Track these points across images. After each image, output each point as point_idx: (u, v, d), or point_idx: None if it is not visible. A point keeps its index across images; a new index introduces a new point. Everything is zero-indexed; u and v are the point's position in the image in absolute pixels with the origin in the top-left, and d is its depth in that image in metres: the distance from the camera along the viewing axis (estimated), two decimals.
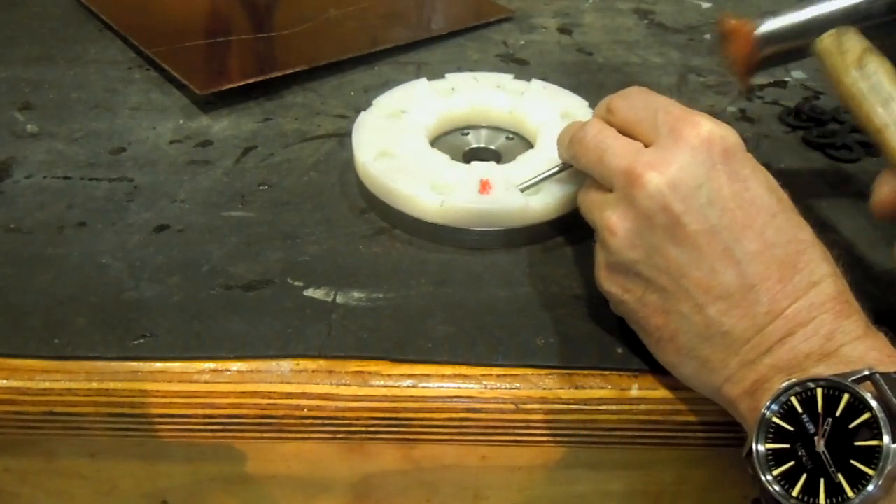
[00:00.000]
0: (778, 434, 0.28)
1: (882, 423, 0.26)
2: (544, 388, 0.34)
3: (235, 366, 0.34)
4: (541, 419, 0.34)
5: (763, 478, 0.28)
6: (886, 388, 0.26)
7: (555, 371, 0.34)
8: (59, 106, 0.52)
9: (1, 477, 0.40)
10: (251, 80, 0.53)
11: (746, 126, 0.51)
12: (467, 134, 0.47)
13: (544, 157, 0.42)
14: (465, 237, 0.40)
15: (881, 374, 0.26)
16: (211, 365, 0.34)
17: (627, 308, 0.33)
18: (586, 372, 0.34)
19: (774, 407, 0.28)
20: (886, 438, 0.25)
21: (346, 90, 0.54)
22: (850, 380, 0.27)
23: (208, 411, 0.34)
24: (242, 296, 0.37)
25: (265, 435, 0.35)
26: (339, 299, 0.37)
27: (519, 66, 0.58)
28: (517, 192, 0.40)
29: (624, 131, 0.34)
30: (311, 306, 0.37)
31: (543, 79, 0.51)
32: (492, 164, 0.42)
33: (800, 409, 0.28)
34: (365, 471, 0.39)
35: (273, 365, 0.34)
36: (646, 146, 0.32)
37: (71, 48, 0.59)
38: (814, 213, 0.43)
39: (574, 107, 0.47)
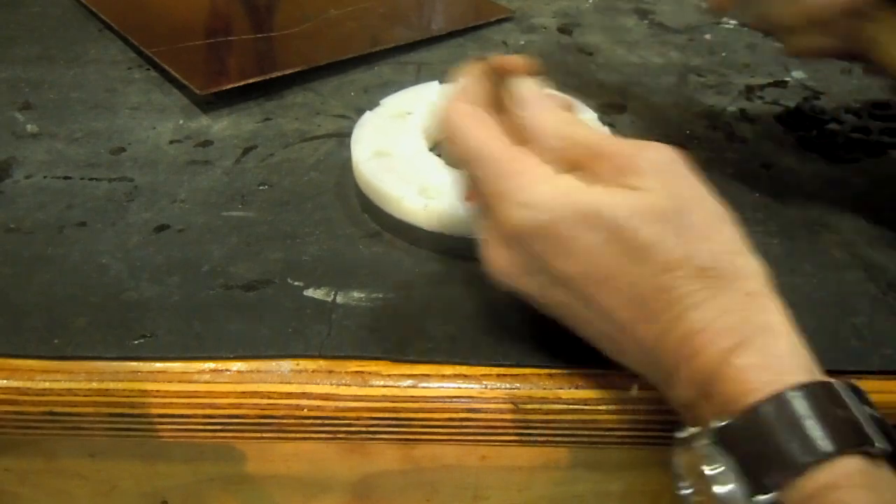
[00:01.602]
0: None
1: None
2: (544, 388, 0.34)
3: (235, 366, 0.34)
4: (541, 419, 0.34)
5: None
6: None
7: (555, 371, 0.34)
8: (59, 106, 0.52)
9: (1, 477, 0.40)
10: (251, 80, 0.53)
11: (746, 126, 0.51)
12: None
13: None
14: (446, 243, 0.40)
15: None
16: (211, 365, 0.34)
17: (542, 304, 0.32)
18: (586, 372, 0.34)
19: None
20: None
21: (346, 90, 0.54)
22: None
23: (208, 411, 0.34)
24: (242, 296, 0.37)
25: (265, 435, 0.35)
26: (339, 299, 0.37)
27: None
28: None
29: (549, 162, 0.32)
30: (311, 306, 0.37)
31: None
32: None
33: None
34: (365, 471, 0.39)
35: (273, 365, 0.34)
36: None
37: (71, 48, 0.59)
38: (814, 213, 0.43)
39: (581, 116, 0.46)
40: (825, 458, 0.24)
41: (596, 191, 0.29)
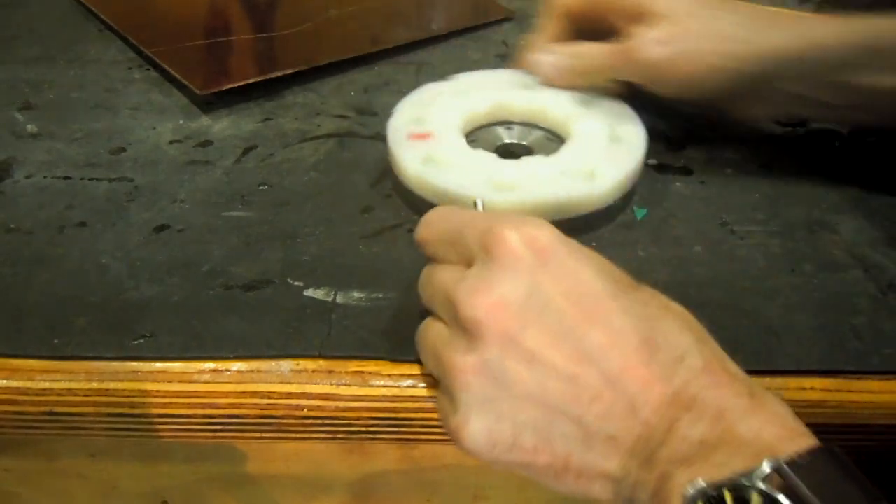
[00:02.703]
0: None
1: None
2: None
3: (235, 366, 0.34)
4: None
5: None
6: (796, 479, 0.24)
7: None
8: (59, 106, 0.52)
9: (1, 477, 0.40)
10: (251, 80, 0.53)
11: (746, 126, 0.51)
12: (511, 129, 0.47)
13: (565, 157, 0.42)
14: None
15: (787, 463, 0.25)
16: (211, 365, 0.34)
17: (506, 462, 0.29)
18: None
19: None
20: None
21: (346, 90, 0.54)
22: (755, 479, 0.25)
23: (208, 411, 0.34)
24: (242, 296, 0.37)
25: (265, 435, 0.35)
26: (339, 299, 0.37)
27: None
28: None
29: (445, 261, 0.32)
30: (311, 306, 0.37)
31: None
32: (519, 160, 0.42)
33: None
34: (365, 471, 0.39)
35: (273, 365, 0.34)
36: (469, 266, 0.31)
37: (71, 48, 0.59)
38: (814, 214, 0.43)
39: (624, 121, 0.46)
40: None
41: None
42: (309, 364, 0.34)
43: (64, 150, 0.48)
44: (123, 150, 0.48)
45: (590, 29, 0.45)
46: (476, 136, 0.46)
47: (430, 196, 0.41)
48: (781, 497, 0.24)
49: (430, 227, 0.33)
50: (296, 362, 0.34)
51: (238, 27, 0.62)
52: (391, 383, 0.34)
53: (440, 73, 0.50)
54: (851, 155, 0.48)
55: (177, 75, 0.53)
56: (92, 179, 0.45)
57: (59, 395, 0.34)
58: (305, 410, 0.34)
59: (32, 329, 0.35)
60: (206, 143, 0.49)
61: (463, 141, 0.43)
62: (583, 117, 0.45)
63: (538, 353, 0.28)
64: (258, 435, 0.35)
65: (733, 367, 0.28)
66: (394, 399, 0.34)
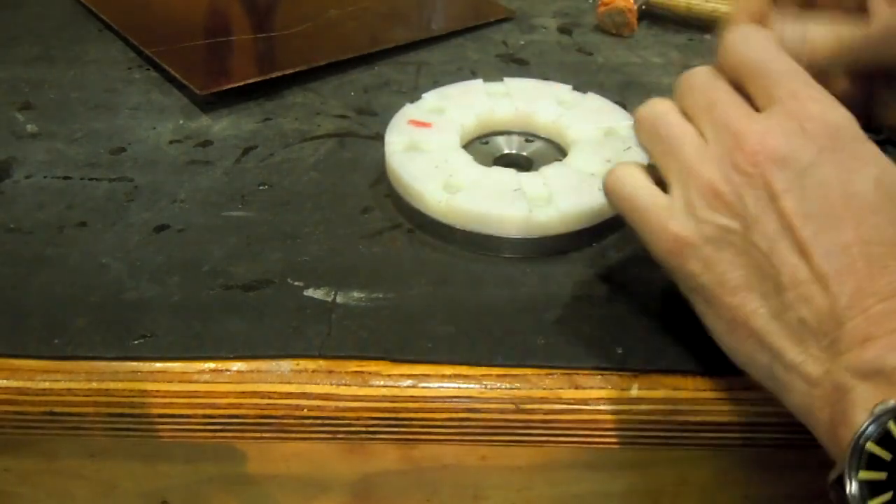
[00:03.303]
0: (872, 461, 0.25)
1: None
2: (544, 388, 0.34)
3: (235, 366, 0.34)
4: (541, 419, 0.34)
5: None
6: None
7: (555, 371, 0.34)
8: (59, 106, 0.52)
9: (1, 477, 0.40)
10: (251, 80, 0.53)
11: None
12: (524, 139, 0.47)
13: (570, 169, 0.42)
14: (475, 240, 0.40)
15: None
16: (211, 365, 0.34)
17: (702, 287, 0.31)
18: (586, 372, 0.34)
19: (871, 429, 0.25)
20: None
21: (346, 90, 0.54)
22: None
23: (208, 411, 0.34)
24: (242, 296, 0.37)
25: (265, 435, 0.35)
26: (339, 299, 0.37)
27: (519, 66, 0.58)
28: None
29: (735, 78, 0.32)
30: (311, 306, 0.37)
31: (545, 79, 0.51)
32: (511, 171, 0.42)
33: None
34: (365, 471, 0.39)
35: (273, 365, 0.34)
36: (756, 106, 0.31)
37: (71, 48, 0.59)
38: None
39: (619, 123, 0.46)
40: None
41: None
42: (309, 364, 0.34)
43: (64, 150, 0.48)
44: (123, 150, 0.48)
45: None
46: (472, 149, 0.46)
47: (462, 223, 0.40)
48: None
49: (746, 43, 0.32)
50: (296, 362, 0.34)
51: (238, 27, 0.62)
52: (391, 383, 0.34)
53: (440, 73, 0.50)
54: None
55: (177, 75, 0.53)
56: (92, 179, 0.45)
57: (59, 395, 0.34)
58: (305, 410, 0.34)
59: (32, 329, 0.35)
60: (206, 143, 0.49)
61: (470, 157, 0.43)
62: (571, 118, 0.45)
63: (786, 218, 0.28)
64: (258, 435, 0.35)
65: None
66: (394, 399, 0.34)
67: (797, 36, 0.37)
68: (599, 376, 0.34)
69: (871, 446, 0.25)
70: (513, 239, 0.40)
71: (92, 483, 0.40)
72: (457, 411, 0.34)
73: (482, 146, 0.46)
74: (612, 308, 0.37)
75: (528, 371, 0.34)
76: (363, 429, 0.34)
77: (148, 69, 0.57)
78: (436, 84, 0.50)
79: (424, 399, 0.34)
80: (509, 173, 0.42)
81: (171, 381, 0.34)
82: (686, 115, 0.33)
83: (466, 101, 0.47)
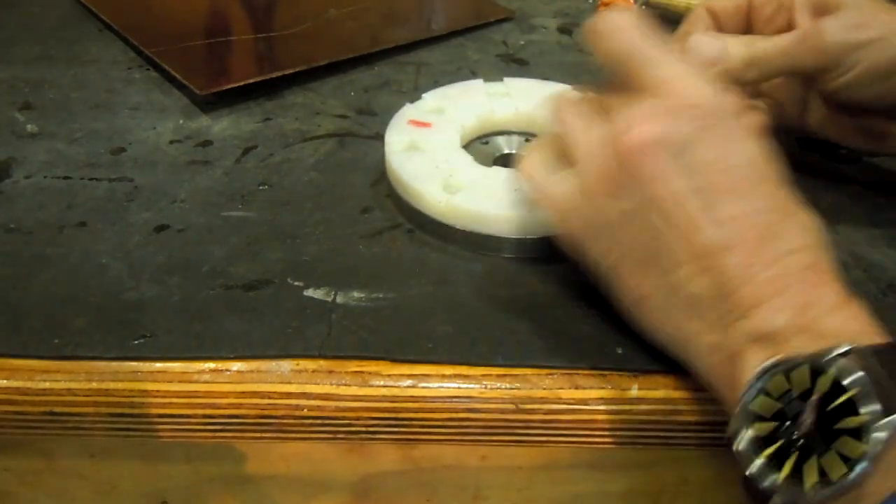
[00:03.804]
0: (760, 418, 0.27)
1: (870, 397, 0.25)
2: (544, 388, 0.34)
3: (235, 366, 0.34)
4: (541, 419, 0.34)
5: (752, 461, 0.27)
6: (873, 360, 0.25)
7: (555, 371, 0.34)
8: (59, 106, 0.52)
9: (1, 477, 0.40)
10: (251, 80, 0.53)
11: None
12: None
13: None
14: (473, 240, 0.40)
15: (864, 347, 0.26)
16: (211, 365, 0.34)
17: (606, 270, 0.33)
18: (586, 372, 0.34)
19: (758, 385, 0.27)
20: (877, 408, 0.25)
21: (346, 90, 0.54)
22: (833, 354, 0.26)
23: (208, 411, 0.34)
24: (242, 296, 0.37)
25: (265, 435, 0.35)
26: (339, 299, 0.37)
27: (519, 66, 0.58)
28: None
29: (608, 66, 0.33)
30: (311, 306, 0.37)
31: (545, 79, 0.51)
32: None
33: (785, 388, 0.26)
34: (365, 471, 0.39)
35: (273, 365, 0.34)
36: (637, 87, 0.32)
37: (71, 48, 0.59)
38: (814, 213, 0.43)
39: None
40: None
41: None
42: (309, 364, 0.34)
43: (64, 150, 0.48)
44: (123, 150, 0.48)
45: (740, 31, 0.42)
46: (472, 149, 0.45)
47: (462, 224, 0.40)
48: (860, 372, 0.25)
49: (606, 40, 0.33)
50: (296, 362, 0.34)
51: (238, 27, 0.62)
52: (391, 383, 0.34)
53: (440, 73, 0.50)
54: (851, 155, 0.48)
55: (177, 75, 0.53)
56: (92, 179, 0.45)
57: (59, 395, 0.34)
58: (305, 410, 0.34)
59: (32, 329, 0.35)
60: (206, 143, 0.49)
61: (470, 157, 0.43)
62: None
63: (670, 197, 0.29)
64: (258, 435, 0.35)
65: (835, 275, 0.29)
66: (394, 399, 0.34)
67: (716, 48, 0.39)
68: (599, 376, 0.34)
69: (756, 402, 0.27)
70: (513, 239, 0.40)
71: (92, 483, 0.40)
72: (457, 411, 0.34)
73: (482, 146, 0.46)
74: (612, 308, 0.37)
75: (528, 371, 0.34)
76: (363, 429, 0.34)
77: (148, 69, 0.57)
78: (436, 84, 0.50)
79: (424, 399, 0.34)
80: (509, 173, 0.42)
81: (171, 381, 0.34)
82: (577, 112, 0.34)
83: (466, 102, 0.47)
